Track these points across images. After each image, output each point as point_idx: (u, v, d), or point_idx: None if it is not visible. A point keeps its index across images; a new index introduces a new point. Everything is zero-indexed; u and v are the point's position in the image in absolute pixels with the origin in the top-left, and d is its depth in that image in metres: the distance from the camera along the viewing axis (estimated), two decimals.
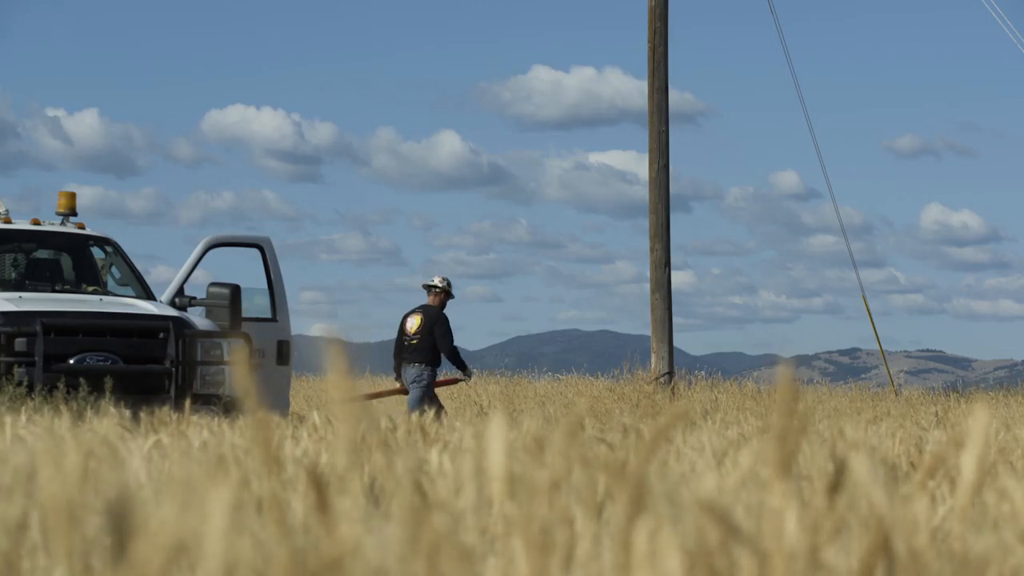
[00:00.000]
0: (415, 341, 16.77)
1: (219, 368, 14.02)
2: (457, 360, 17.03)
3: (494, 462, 1.86)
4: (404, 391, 17.11)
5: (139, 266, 15.70)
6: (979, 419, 1.98)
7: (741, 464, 1.99)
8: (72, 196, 16.10)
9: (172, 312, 14.37)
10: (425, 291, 17.21)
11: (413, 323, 16.89)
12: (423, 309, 16.96)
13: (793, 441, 1.83)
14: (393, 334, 17.27)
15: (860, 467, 1.81)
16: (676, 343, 26.50)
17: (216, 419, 7.32)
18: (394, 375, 17.37)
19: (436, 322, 16.74)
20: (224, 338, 14.16)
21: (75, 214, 15.96)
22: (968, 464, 2.05)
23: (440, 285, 17.01)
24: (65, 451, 1.70)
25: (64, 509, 1.70)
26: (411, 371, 16.80)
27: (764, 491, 1.87)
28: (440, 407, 16.30)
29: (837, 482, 1.85)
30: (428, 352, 16.74)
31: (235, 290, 15.00)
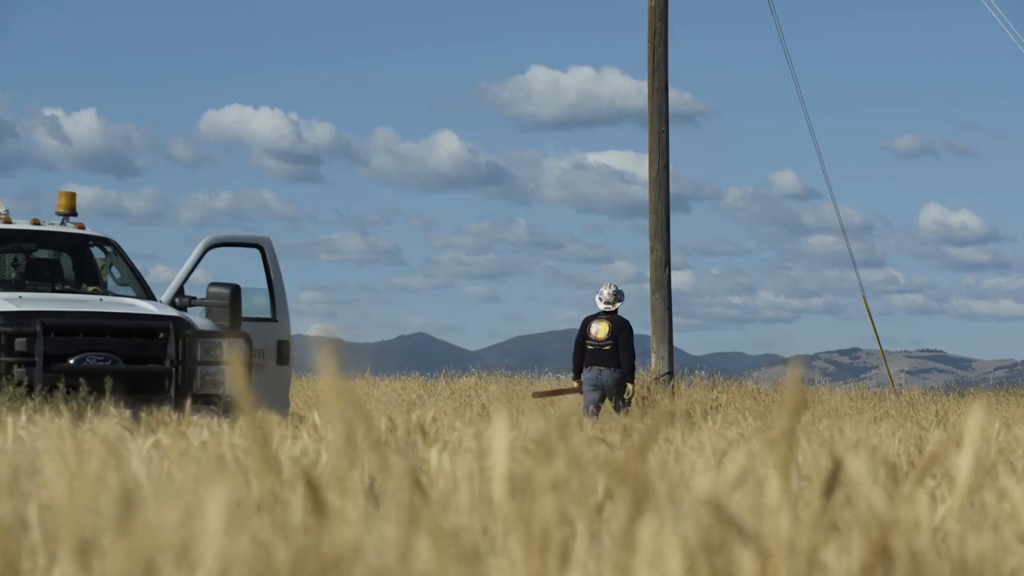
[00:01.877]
0: (607, 347, 17.89)
1: (219, 368, 14.01)
2: (631, 368, 18.19)
3: (497, 462, 1.86)
4: (581, 391, 18.10)
5: (138, 266, 15.70)
6: (976, 418, 1.98)
7: (738, 461, 2.00)
8: (72, 196, 16.09)
9: (172, 312, 14.36)
10: (602, 306, 18.22)
11: (600, 328, 17.99)
12: (608, 316, 18.06)
13: (792, 441, 1.83)
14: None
15: (856, 467, 1.81)
16: (676, 343, 26.50)
17: (216, 419, 7.33)
18: (572, 375, 18.36)
19: (622, 330, 17.99)
20: (224, 338, 14.14)
21: (75, 214, 15.95)
22: (964, 464, 2.05)
23: (616, 304, 18.14)
24: (67, 451, 1.70)
25: (69, 508, 1.70)
26: (609, 375, 17.80)
27: (763, 490, 1.87)
28: (627, 405, 17.80)
29: (835, 482, 1.85)
30: (618, 356, 17.88)
31: (235, 290, 14.98)
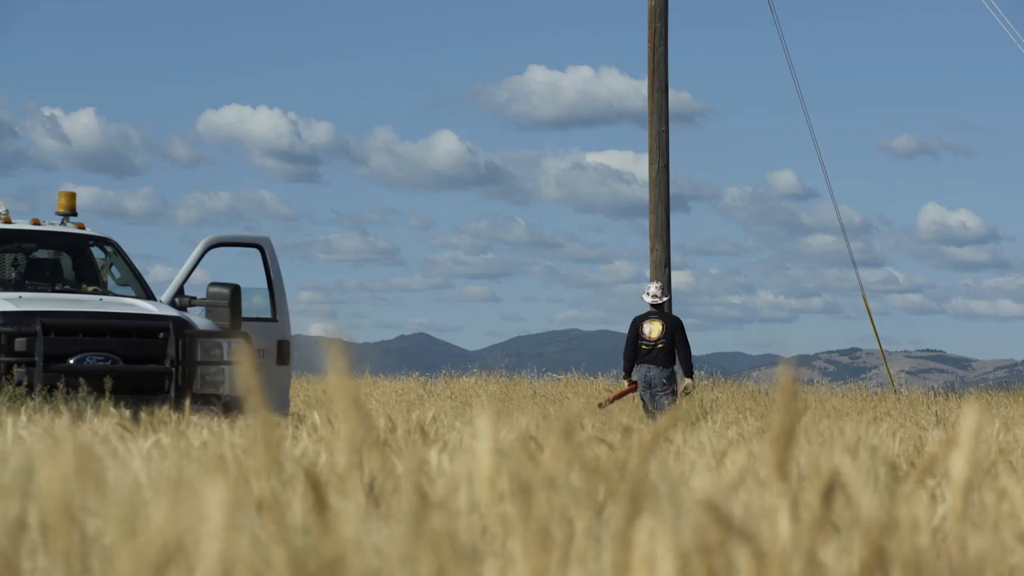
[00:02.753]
0: (660, 345, 18.32)
1: (219, 368, 14.00)
2: (690, 364, 18.75)
3: (481, 463, 1.86)
4: (635, 390, 18.63)
5: (137, 266, 15.69)
6: (970, 419, 1.98)
7: (737, 462, 2.00)
8: (72, 196, 16.09)
9: (172, 312, 14.36)
10: (650, 304, 18.67)
11: (653, 328, 18.43)
12: (660, 316, 18.54)
13: (790, 441, 1.83)
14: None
15: (851, 468, 1.81)
16: None
17: (216, 419, 7.33)
18: (623, 375, 18.83)
19: (677, 329, 18.47)
20: (224, 338, 14.14)
21: (75, 214, 15.95)
22: (958, 464, 2.05)
23: (663, 298, 18.68)
24: (64, 451, 1.70)
25: (63, 509, 1.70)
26: (658, 372, 18.28)
27: (762, 491, 1.87)
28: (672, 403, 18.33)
29: (834, 482, 1.85)
30: (672, 355, 18.39)
31: (235, 290, 14.98)
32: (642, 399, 18.52)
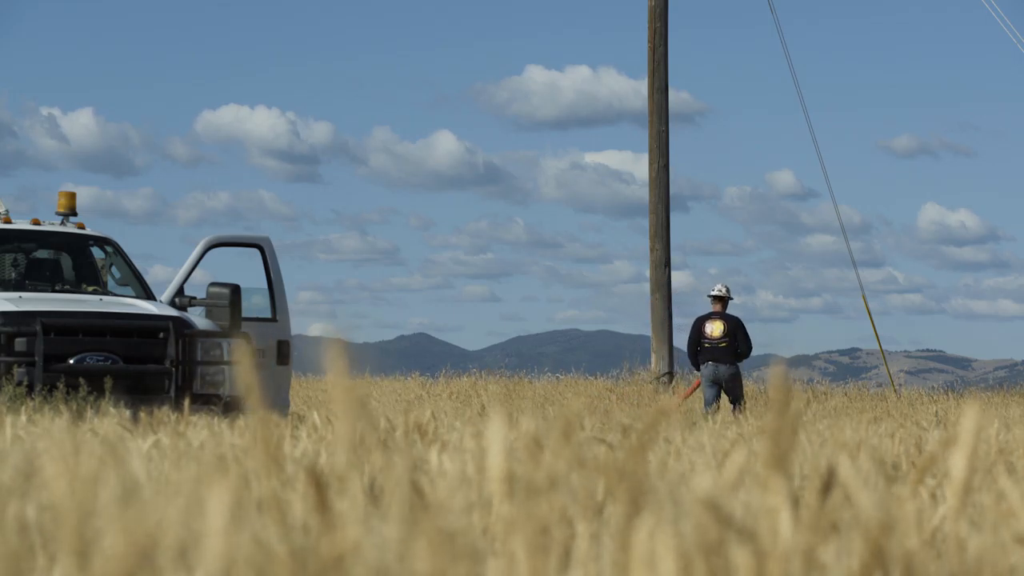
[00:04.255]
0: (723, 344, 19.46)
1: (219, 368, 14.00)
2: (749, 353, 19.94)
3: (493, 463, 1.87)
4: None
5: (137, 266, 15.69)
6: (969, 419, 1.98)
7: (735, 461, 2.00)
8: (72, 196, 16.09)
9: (172, 312, 14.36)
10: (711, 300, 19.81)
11: (715, 328, 19.54)
12: (722, 316, 19.62)
13: (787, 440, 1.83)
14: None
15: (850, 468, 1.82)
16: (676, 343, 26.53)
17: (216, 419, 7.33)
18: (693, 371, 20.30)
19: (739, 328, 19.57)
20: (224, 338, 14.14)
21: (75, 214, 15.95)
22: (957, 464, 2.05)
23: (728, 295, 19.81)
24: (66, 451, 1.70)
25: (69, 509, 1.70)
26: (724, 369, 19.39)
27: (763, 491, 1.87)
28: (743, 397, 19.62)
29: (831, 482, 1.85)
30: (735, 352, 19.47)
31: (235, 290, 14.98)
32: (705, 397, 19.36)
